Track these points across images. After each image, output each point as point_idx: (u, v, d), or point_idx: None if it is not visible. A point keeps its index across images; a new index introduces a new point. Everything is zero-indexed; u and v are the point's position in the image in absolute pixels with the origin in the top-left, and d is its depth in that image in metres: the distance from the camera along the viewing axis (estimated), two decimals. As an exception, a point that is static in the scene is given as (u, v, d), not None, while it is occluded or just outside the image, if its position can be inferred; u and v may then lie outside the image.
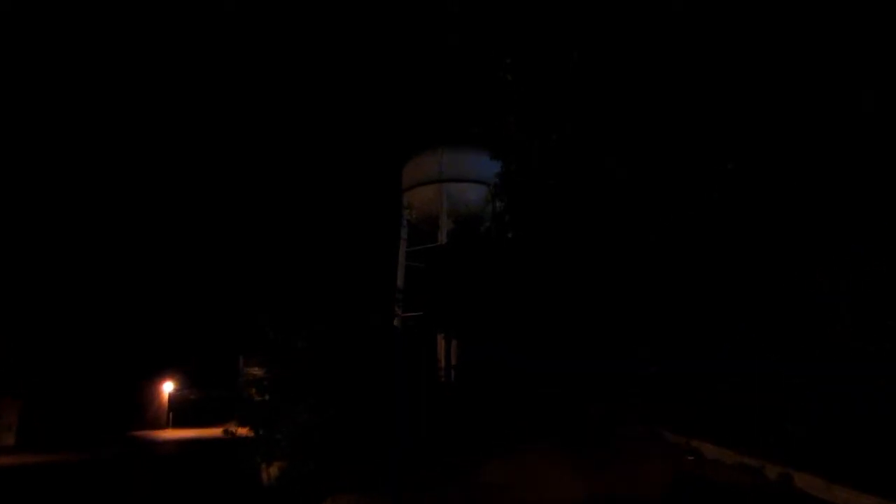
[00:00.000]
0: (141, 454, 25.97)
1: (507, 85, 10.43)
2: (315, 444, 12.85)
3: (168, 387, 38.59)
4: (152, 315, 37.23)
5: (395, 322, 27.91)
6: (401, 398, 12.22)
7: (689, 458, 8.37)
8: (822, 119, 10.27)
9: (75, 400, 32.41)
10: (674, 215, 10.66)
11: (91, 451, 25.70)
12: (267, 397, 15.08)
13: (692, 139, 10.80)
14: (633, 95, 10.84)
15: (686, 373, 9.88)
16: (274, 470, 14.08)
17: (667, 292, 10.61)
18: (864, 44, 10.26)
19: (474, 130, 12.84)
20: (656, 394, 10.12)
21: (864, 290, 9.18)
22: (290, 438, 13.28)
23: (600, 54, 10.69)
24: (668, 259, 10.65)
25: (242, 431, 14.92)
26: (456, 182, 26.56)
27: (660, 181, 10.84)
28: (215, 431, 19.26)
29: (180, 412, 38.03)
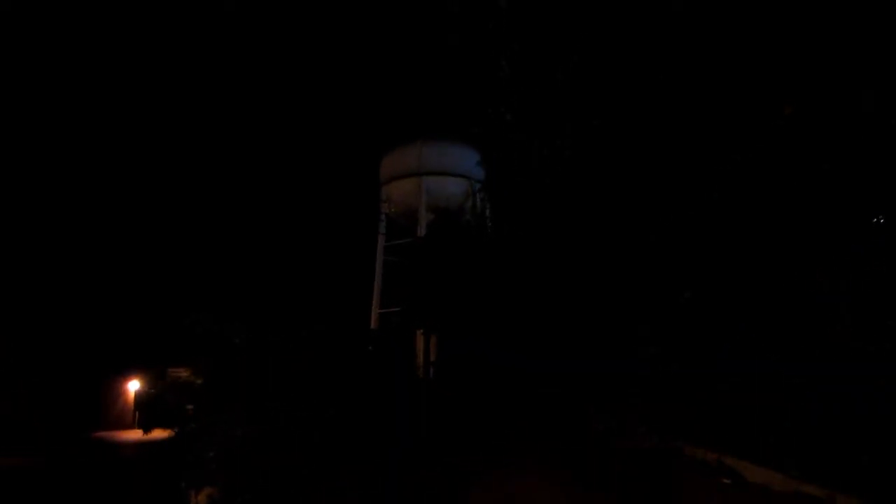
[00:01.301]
0: (77, 463, 24.20)
1: (506, 85, 10.17)
2: (255, 465, 11.02)
3: (134, 385, 37.22)
4: (120, 310, 35.84)
5: (373, 317, 27.53)
6: (401, 398, 11.90)
7: (725, 480, 7.26)
8: (821, 119, 10.26)
9: (28, 397, 30.64)
10: (674, 215, 10.53)
11: (32, 455, 24.09)
12: (190, 407, 13.33)
13: (693, 139, 10.70)
14: (633, 96, 10.69)
15: (687, 373, 9.77)
16: (203, 498, 11.82)
17: (666, 291, 10.49)
18: (864, 43, 10.26)
19: (474, 130, 12.54)
20: (657, 394, 9.99)
21: (864, 290, 9.20)
22: (222, 458, 11.24)
23: (600, 55, 10.51)
24: (668, 258, 10.52)
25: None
26: (436, 175, 26.20)
27: (660, 181, 10.70)
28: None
29: (148, 412, 36.63)
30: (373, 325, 27.06)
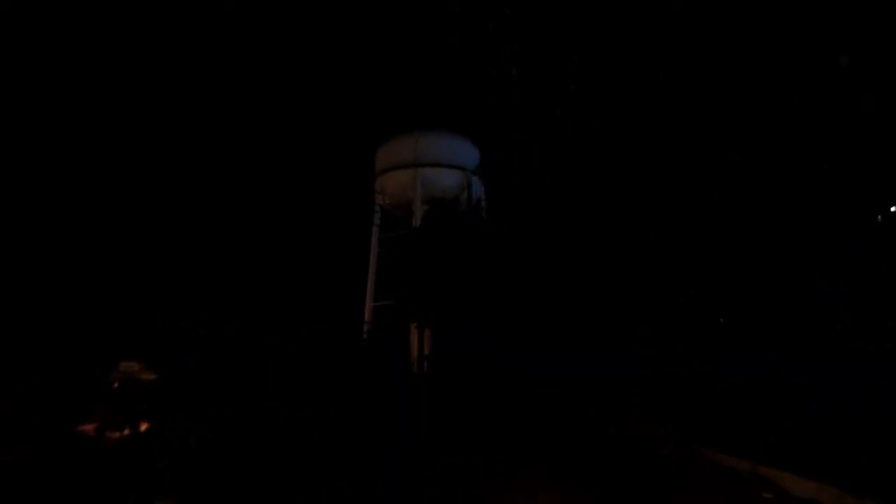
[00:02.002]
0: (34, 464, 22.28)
1: (506, 83, 10.04)
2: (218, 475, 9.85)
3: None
4: (107, 307, 35.25)
5: (367, 310, 27.43)
6: (400, 398, 11.82)
7: (767, 495, 6.37)
8: (822, 119, 10.20)
9: (21, 391, 30.05)
10: (673, 215, 10.50)
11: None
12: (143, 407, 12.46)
13: (692, 139, 10.63)
14: (632, 96, 10.59)
15: (686, 373, 9.77)
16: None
17: (666, 291, 10.47)
18: (864, 44, 10.18)
19: (477, 128, 12.38)
20: (657, 394, 9.97)
21: (864, 290, 9.21)
22: (176, 468, 10.01)
23: (600, 56, 10.38)
24: (668, 258, 10.50)
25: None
26: (431, 167, 26.01)
27: (659, 181, 10.65)
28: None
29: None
30: (367, 317, 26.96)
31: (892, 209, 9.59)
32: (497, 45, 10.04)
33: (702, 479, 7.32)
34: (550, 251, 11.42)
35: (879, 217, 9.69)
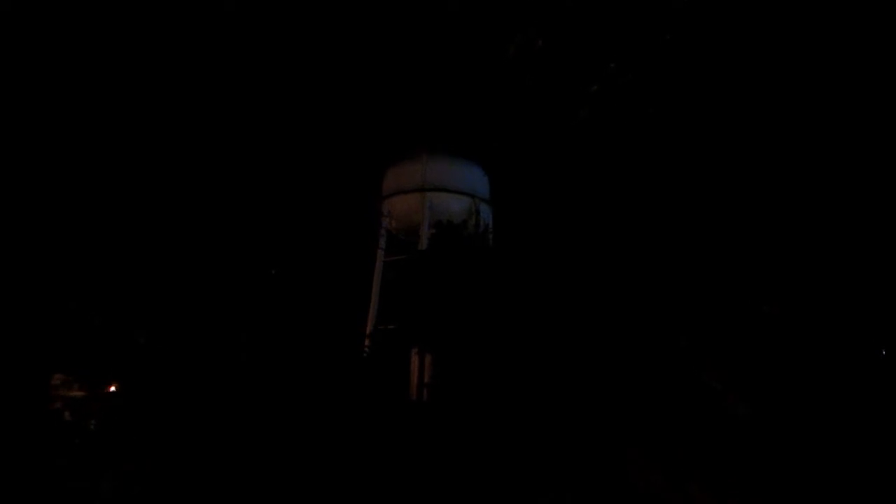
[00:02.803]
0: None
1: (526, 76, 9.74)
2: None
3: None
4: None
5: (368, 335, 26.83)
6: None
7: None
8: (823, 118, 9.87)
9: None
10: (679, 223, 10.09)
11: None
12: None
13: (695, 139, 10.32)
14: (633, 100, 10.34)
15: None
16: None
17: (677, 311, 9.97)
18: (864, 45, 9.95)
19: (494, 144, 12.16)
20: (669, 424, 9.18)
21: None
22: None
23: (600, 61, 10.19)
24: (679, 274, 10.05)
25: None
26: (439, 192, 25.83)
27: (663, 189, 10.29)
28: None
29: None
30: (367, 342, 26.36)
31: None
32: (513, 35, 9.73)
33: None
34: (560, 279, 10.96)
35: None
